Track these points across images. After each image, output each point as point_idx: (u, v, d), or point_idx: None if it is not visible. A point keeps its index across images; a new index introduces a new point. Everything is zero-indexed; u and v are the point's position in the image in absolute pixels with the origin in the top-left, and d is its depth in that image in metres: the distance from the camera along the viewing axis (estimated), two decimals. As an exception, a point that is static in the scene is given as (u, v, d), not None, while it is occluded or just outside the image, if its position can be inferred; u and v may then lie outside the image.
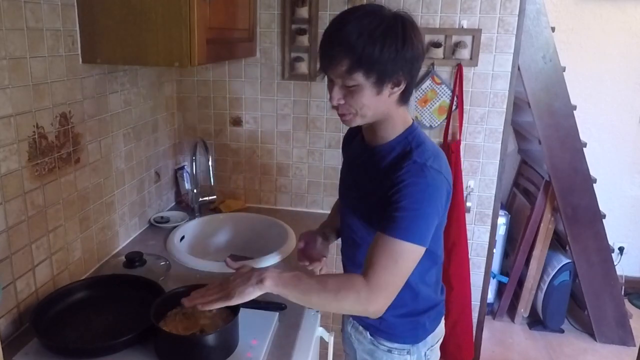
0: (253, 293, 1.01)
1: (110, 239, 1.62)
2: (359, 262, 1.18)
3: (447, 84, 1.96)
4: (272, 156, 2.13)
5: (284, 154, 2.12)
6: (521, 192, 3.16)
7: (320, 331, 1.45)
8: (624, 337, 2.81)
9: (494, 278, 2.96)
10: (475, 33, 1.89)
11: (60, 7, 1.27)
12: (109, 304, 1.28)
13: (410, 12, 1.05)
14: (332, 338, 1.46)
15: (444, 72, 1.97)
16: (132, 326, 1.13)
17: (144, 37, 1.30)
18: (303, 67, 1.98)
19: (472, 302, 2.15)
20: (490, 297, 2.98)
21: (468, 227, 2.07)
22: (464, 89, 1.96)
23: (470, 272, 2.11)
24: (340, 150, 1.39)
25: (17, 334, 1.19)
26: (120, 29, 1.31)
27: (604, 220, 2.74)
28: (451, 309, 1.97)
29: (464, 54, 1.91)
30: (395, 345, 1.22)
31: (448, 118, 2.00)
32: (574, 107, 2.65)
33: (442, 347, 1.31)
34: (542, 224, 2.84)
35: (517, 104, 2.63)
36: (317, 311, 1.44)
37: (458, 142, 2.00)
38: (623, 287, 2.99)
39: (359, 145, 1.21)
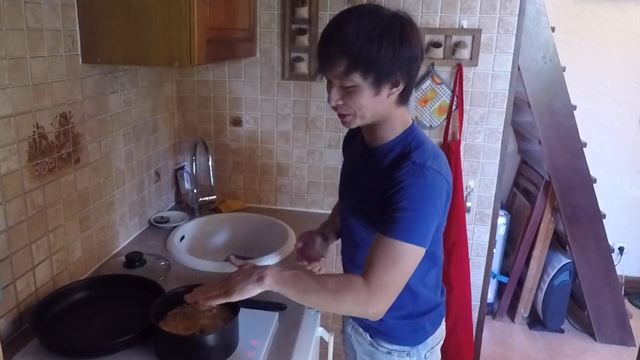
0: (253, 290, 1.01)
1: (110, 239, 1.62)
2: (359, 263, 1.18)
3: (447, 84, 1.97)
4: (272, 156, 2.13)
5: (284, 154, 2.12)
6: (521, 192, 3.16)
7: (320, 331, 1.45)
8: (624, 337, 2.81)
9: (494, 278, 2.96)
10: (475, 33, 1.89)
11: (60, 7, 1.27)
12: (109, 304, 1.28)
13: (410, 12, 1.05)
14: (332, 338, 1.46)
15: (444, 72, 1.97)
16: (132, 326, 1.13)
17: (144, 37, 1.30)
18: (303, 67, 1.98)
19: (472, 302, 2.15)
20: (490, 297, 2.98)
21: (468, 227, 2.07)
22: (464, 89, 1.96)
23: (470, 272, 2.11)
24: (341, 151, 1.39)
25: (17, 334, 1.19)
26: (120, 29, 1.31)
27: (604, 220, 2.74)
28: (451, 309, 1.96)
29: (464, 54, 1.91)
30: (395, 347, 1.22)
31: (448, 118, 2.00)
32: (574, 107, 2.65)
33: (442, 347, 1.30)
34: (542, 224, 2.84)
35: (517, 104, 2.63)
36: (317, 311, 1.44)
37: (458, 142, 2.00)
38: (623, 287, 2.99)
39: (359, 146, 1.21)
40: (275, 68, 2.02)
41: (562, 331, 2.90)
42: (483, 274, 2.17)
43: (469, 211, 2.08)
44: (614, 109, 3.19)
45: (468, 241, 2.08)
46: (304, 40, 1.94)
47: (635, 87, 3.15)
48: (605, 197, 2.93)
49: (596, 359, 2.70)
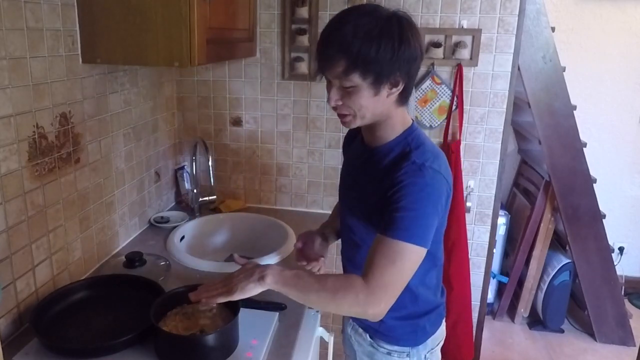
0: (254, 289, 1.02)
1: (110, 239, 1.62)
2: (359, 264, 1.18)
3: (447, 84, 1.97)
4: (272, 156, 2.13)
5: (284, 154, 2.12)
6: (521, 192, 3.16)
7: (320, 331, 1.45)
8: (624, 337, 2.81)
9: (494, 278, 2.96)
10: (475, 33, 1.89)
11: (60, 7, 1.27)
12: (109, 304, 1.28)
13: (410, 12, 1.05)
14: (332, 338, 1.46)
15: (444, 72, 1.97)
16: (132, 326, 1.13)
17: (144, 37, 1.30)
18: (303, 67, 1.98)
19: (472, 302, 2.15)
20: (490, 297, 2.98)
21: (468, 227, 2.07)
22: (464, 89, 1.96)
23: (470, 272, 2.11)
24: (341, 151, 1.39)
25: (17, 334, 1.19)
26: (120, 29, 1.31)
27: (604, 220, 2.74)
28: (451, 309, 1.96)
29: (464, 54, 1.91)
30: (395, 347, 1.22)
31: (448, 118, 2.00)
32: (574, 107, 2.65)
33: (442, 347, 1.30)
34: (542, 224, 2.84)
35: (517, 104, 2.63)
36: (317, 311, 1.44)
37: (458, 142, 2.00)
38: (623, 287, 2.99)
39: (359, 146, 1.21)
40: (275, 68, 2.02)
41: (562, 331, 2.90)
42: (483, 274, 2.17)
43: (469, 211, 2.08)
44: (614, 109, 3.19)
45: (468, 241, 2.08)
46: (304, 40, 1.94)
47: (635, 87, 3.15)
48: (605, 197, 2.93)
49: (596, 359, 2.70)
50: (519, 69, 2.20)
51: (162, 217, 1.91)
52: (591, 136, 3.04)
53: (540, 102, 2.60)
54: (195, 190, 1.97)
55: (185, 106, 2.11)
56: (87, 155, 1.44)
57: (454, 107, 1.98)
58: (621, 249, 3.36)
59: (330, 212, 1.55)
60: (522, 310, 2.97)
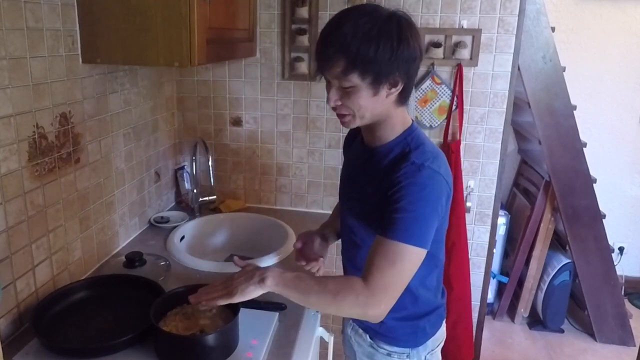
0: (254, 292, 1.02)
1: (110, 239, 1.62)
2: (359, 264, 1.18)
3: (447, 84, 1.97)
4: (272, 156, 2.13)
5: (284, 154, 2.12)
6: (521, 192, 3.16)
7: (320, 331, 1.45)
8: (624, 337, 2.81)
9: (494, 278, 2.96)
10: (475, 33, 1.89)
11: (60, 7, 1.27)
12: (109, 304, 1.28)
13: (410, 12, 1.05)
14: (332, 338, 1.46)
15: (444, 72, 1.97)
16: (132, 326, 1.13)
17: (144, 37, 1.30)
18: (303, 67, 1.98)
19: (472, 302, 2.15)
20: (490, 297, 2.98)
21: (468, 227, 2.07)
22: (464, 89, 1.96)
23: (470, 272, 2.11)
24: (341, 151, 1.39)
25: (17, 334, 1.19)
26: (120, 29, 1.31)
27: (604, 220, 2.74)
28: (451, 309, 1.96)
29: (464, 54, 1.91)
30: (395, 349, 1.21)
31: (448, 118, 2.00)
32: (574, 107, 2.65)
33: (442, 348, 1.30)
34: (542, 224, 2.84)
35: (517, 104, 2.63)
36: (317, 311, 1.44)
37: (458, 142, 2.00)
38: (623, 287, 2.99)
39: (359, 146, 1.21)
40: (275, 68, 2.02)
41: (562, 331, 2.90)
42: (483, 274, 2.17)
43: (469, 211, 2.08)
44: (614, 109, 3.19)
45: (468, 241, 2.08)
46: (304, 40, 1.94)
47: (635, 87, 3.15)
48: (605, 197, 2.93)
49: (596, 359, 2.70)
50: (519, 69, 2.20)
51: (162, 217, 1.91)
52: (591, 136, 3.04)
53: (540, 102, 2.60)
54: (195, 190, 1.97)
55: (185, 106, 2.11)
56: (87, 155, 1.44)
57: (454, 107, 1.98)
58: (621, 249, 3.36)
59: (330, 212, 1.55)
60: (522, 310, 2.97)
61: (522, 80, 2.55)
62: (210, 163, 1.88)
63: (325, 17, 1.90)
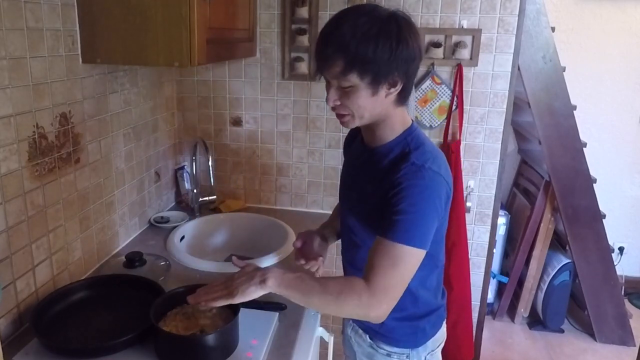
0: (255, 292, 1.01)
1: (110, 239, 1.62)
2: (359, 264, 1.18)
3: (447, 84, 1.97)
4: (272, 156, 2.13)
5: (284, 154, 2.12)
6: (521, 192, 3.16)
7: (320, 331, 1.45)
8: (624, 337, 2.81)
9: (494, 278, 2.96)
10: (475, 33, 1.89)
11: (60, 7, 1.27)
12: (109, 304, 1.28)
13: (410, 12, 1.05)
14: (332, 338, 1.46)
15: (444, 72, 1.97)
16: (132, 326, 1.13)
17: (144, 37, 1.30)
18: (303, 67, 1.98)
19: (472, 302, 2.15)
20: (490, 297, 2.98)
21: (468, 227, 2.08)
22: (464, 89, 1.96)
23: (470, 272, 2.11)
24: (341, 151, 1.39)
25: (17, 334, 1.19)
26: (120, 29, 1.31)
27: (604, 220, 2.74)
28: (451, 309, 1.96)
29: (464, 54, 1.91)
30: (395, 349, 1.21)
31: (448, 118, 2.00)
32: (574, 107, 2.65)
33: (442, 348, 1.30)
34: (542, 224, 2.84)
35: (517, 104, 2.63)
36: (318, 312, 1.44)
37: (458, 142, 2.00)
38: (623, 287, 2.99)
39: (359, 146, 1.21)
40: (275, 68, 2.02)
41: (562, 331, 2.90)
42: (483, 274, 2.17)
43: (469, 211, 2.08)
44: (614, 109, 3.19)
45: (468, 241, 2.08)
46: (304, 40, 1.94)
47: (635, 87, 3.15)
48: (605, 197, 2.93)
49: (596, 359, 2.70)
50: (519, 69, 2.20)
51: (162, 217, 1.91)
52: (591, 136, 3.04)
53: (540, 102, 2.60)
54: (195, 190, 1.97)
55: (185, 106, 2.11)
56: (87, 155, 1.44)
57: (454, 107, 1.98)
58: (621, 249, 3.36)
59: (330, 212, 1.55)
60: (522, 310, 2.97)
61: (522, 80, 2.55)
62: (210, 163, 1.88)
63: (325, 17, 1.90)
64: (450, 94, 1.97)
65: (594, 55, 3.10)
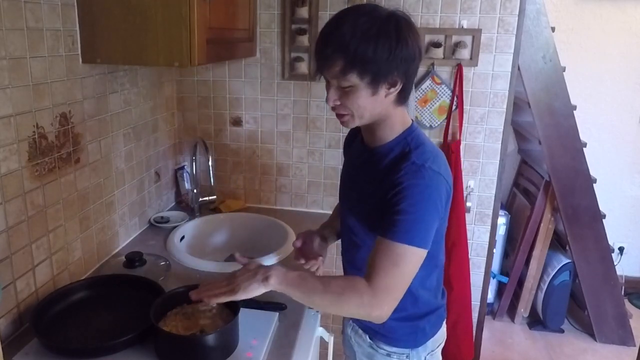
0: (257, 290, 1.01)
1: (110, 239, 1.62)
2: (358, 264, 1.18)
3: (447, 84, 1.97)
4: (272, 156, 2.13)
5: (284, 154, 2.12)
6: (521, 192, 3.16)
7: (320, 331, 1.45)
8: (624, 337, 2.81)
9: (494, 278, 2.96)
10: (475, 33, 1.89)
11: (60, 7, 1.27)
12: (109, 304, 1.28)
13: (410, 12, 1.05)
14: (332, 338, 1.46)
15: (444, 72, 1.97)
16: (132, 326, 1.13)
17: (144, 37, 1.30)
18: (303, 67, 1.98)
19: (472, 302, 2.15)
20: (490, 297, 2.98)
21: (468, 227, 2.08)
22: (464, 89, 1.96)
23: (470, 272, 2.11)
24: (341, 151, 1.39)
25: (17, 334, 1.19)
26: (120, 29, 1.31)
27: (604, 220, 2.74)
28: (451, 309, 1.95)
29: (464, 54, 1.91)
30: (395, 349, 1.21)
31: (448, 118, 2.00)
32: (574, 107, 2.65)
33: (442, 348, 1.30)
34: (542, 224, 2.84)
35: (517, 104, 2.63)
36: (318, 311, 1.44)
37: (458, 142, 2.00)
38: (623, 287, 2.99)
39: (359, 146, 1.21)
40: (275, 68, 2.02)
41: (562, 331, 2.90)
42: (483, 274, 2.17)
43: (469, 211, 2.08)
44: (614, 109, 3.19)
45: (468, 241, 2.08)
46: (304, 40, 1.94)
47: (635, 87, 3.15)
48: (605, 197, 2.93)
49: (596, 359, 2.70)
50: (519, 69, 2.20)
51: (162, 217, 1.91)
52: (591, 136, 3.04)
53: (540, 102, 2.60)
54: (195, 190, 1.97)
55: (185, 106, 2.11)
56: (87, 155, 1.44)
57: (454, 107, 1.98)
58: (621, 249, 3.35)
59: (330, 212, 1.55)
60: (522, 310, 2.97)
61: (522, 80, 2.55)
62: (210, 163, 1.88)
63: (325, 17, 1.90)
64: (450, 94, 1.97)
65: (594, 55, 3.10)
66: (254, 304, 1.27)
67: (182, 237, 1.79)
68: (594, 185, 2.70)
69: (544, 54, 2.55)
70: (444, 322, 1.29)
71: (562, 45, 2.81)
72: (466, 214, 2.07)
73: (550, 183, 2.72)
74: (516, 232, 3.03)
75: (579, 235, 2.74)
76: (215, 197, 2.04)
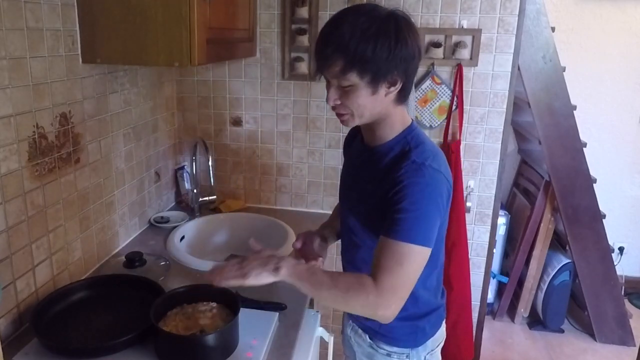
0: (267, 279, 1.02)
1: (110, 239, 1.62)
2: (358, 264, 1.18)
3: (447, 84, 1.97)
4: (272, 156, 2.13)
5: (284, 154, 2.12)
6: (521, 192, 3.16)
7: (320, 331, 1.45)
8: (624, 337, 2.81)
9: (494, 278, 2.96)
10: (475, 33, 1.89)
11: (60, 7, 1.27)
12: (109, 304, 1.28)
13: (410, 12, 1.05)
14: (332, 338, 1.46)
15: (444, 72, 1.97)
16: (132, 326, 1.13)
17: (144, 37, 1.30)
18: (303, 67, 1.98)
19: (472, 302, 2.15)
20: (490, 297, 2.98)
21: (468, 227, 2.07)
22: (464, 89, 1.96)
23: (470, 272, 2.11)
24: (341, 151, 1.39)
25: (17, 334, 1.19)
26: (120, 29, 1.31)
27: (604, 220, 2.74)
28: (451, 309, 1.96)
29: (464, 54, 1.91)
30: (395, 349, 1.21)
31: (448, 118, 2.00)
32: (574, 107, 2.65)
33: (442, 348, 1.30)
34: (542, 224, 2.84)
35: (517, 104, 2.63)
36: (317, 311, 1.44)
37: (458, 142, 2.00)
38: (623, 287, 2.99)
39: (359, 146, 1.21)
40: (275, 68, 2.02)
41: (562, 331, 2.90)
42: (483, 274, 2.17)
43: (469, 211, 2.08)
44: (614, 109, 3.19)
45: (468, 241, 2.08)
46: (304, 40, 1.94)
47: (635, 87, 3.15)
48: (605, 197, 2.93)
49: (596, 359, 2.70)
50: (519, 69, 2.20)
51: (162, 217, 1.91)
52: (591, 136, 3.04)
53: (540, 102, 2.60)
54: (195, 190, 1.97)
55: (185, 106, 2.11)
56: (87, 155, 1.44)
57: (454, 107, 1.98)
58: (621, 249, 3.36)
59: (330, 212, 1.55)
60: (522, 310, 2.97)
61: (522, 80, 2.55)
62: (210, 163, 1.88)
63: (325, 17, 1.90)
64: (450, 94, 1.97)
65: (594, 55, 3.10)
66: (254, 304, 1.28)
67: (182, 237, 1.79)
68: (594, 185, 2.70)
69: (544, 54, 2.55)
70: (444, 322, 1.29)
71: (562, 45, 2.81)
72: (466, 214, 2.07)
73: (550, 183, 2.72)
74: (516, 232, 3.03)
75: (579, 235, 2.74)
76: (215, 197, 2.04)
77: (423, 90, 1.98)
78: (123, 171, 1.66)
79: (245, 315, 1.14)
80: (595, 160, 2.95)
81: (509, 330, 2.93)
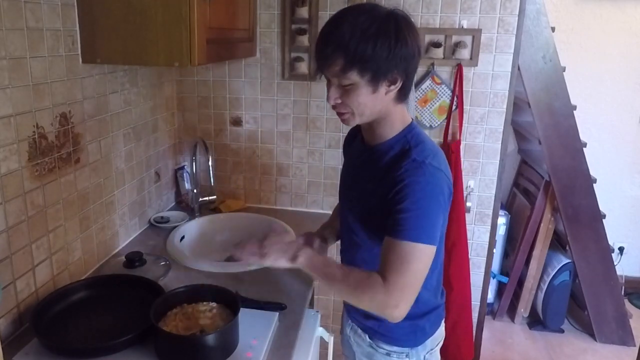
0: (285, 264, 1.10)
1: (110, 239, 1.62)
2: (358, 264, 1.18)
3: (447, 84, 1.97)
4: (272, 156, 2.13)
5: (284, 154, 2.12)
6: (521, 192, 3.16)
7: (320, 331, 1.45)
8: (624, 337, 2.81)
9: (494, 278, 2.96)
10: (475, 33, 1.89)
11: (60, 7, 1.27)
12: (109, 304, 1.28)
13: (410, 12, 1.05)
14: (332, 338, 1.46)
15: (444, 72, 1.97)
16: (132, 326, 1.13)
17: (143, 37, 1.30)
18: (303, 67, 1.98)
19: (472, 302, 2.15)
20: (490, 297, 2.98)
21: (468, 227, 2.07)
22: (464, 89, 1.96)
23: (470, 272, 2.11)
24: (341, 151, 1.39)
25: (17, 334, 1.19)
26: (120, 29, 1.31)
27: (604, 220, 2.74)
28: (451, 309, 1.96)
29: (464, 54, 1.91)
30: (394, 348, 1.22)
31: (448, 118, 2.00)
32: (574, 107, 2.65)
33: (442, 347, 1.30)
34: (542, 224, 2.84)
35: (517, 104, 2.63)
36: (317, 311, 1.44)
37: (458, 142, 2.00)
38: (623, 287, 2.99)
39: (359, 145, 1.21)
40: (275, 68, 2.02)
41: (562, 331, 2.90)
42: (483, 274, 2.17)
43: (469, 211, 2.08)
44: (614, 109, 3.19)
45: (468, 241, 2.08)
46: (304, 40, 1.94)
47: (635, 87, 3.15)
48: (605, 197, 2.93)
49: (596, 359, 2.70)
50: (519, 69, 2.20)
51: (162, 217, 1.91)
52: (591, 136, 3.04)
53: (540, 102, 2.60)
54: (195, 190, 1.97)
55: (185, 106, 2.11)
56: (87, 155, 1.44)
57: (454, 107, 1.98)
58: (621, 249, 3.35)
59: (330, 212, 1.55)
60: (522, 310, 2.97)
61: (522, 80, 2.55)
62: (210, 163, 1.88)
63: (325, 17, 1.90)
64: (450, 94, 1.97)
65: (594, 55, 3.10)
66: (254, 304, 1.28)
67: (182, 237, 1.79)
68: (594, 185, 2.70)
69: (544, 54, 2.55)
70: (443, 321, 1.29)
71: (562, 45, 2.81)
72: (466, 214, 2.07)
73: (550, 183, 2.72)
74: (516, 232, 3.03)
75: (579, 235, 2.74)
76: (215, 197, 2.05)
77: (423, 90, 1.98)
78: (123, 171, 1.66)
79: (245, 315, 1.14)
80: (595, 160, 2.95)
81: (509, 330, 2.93)
